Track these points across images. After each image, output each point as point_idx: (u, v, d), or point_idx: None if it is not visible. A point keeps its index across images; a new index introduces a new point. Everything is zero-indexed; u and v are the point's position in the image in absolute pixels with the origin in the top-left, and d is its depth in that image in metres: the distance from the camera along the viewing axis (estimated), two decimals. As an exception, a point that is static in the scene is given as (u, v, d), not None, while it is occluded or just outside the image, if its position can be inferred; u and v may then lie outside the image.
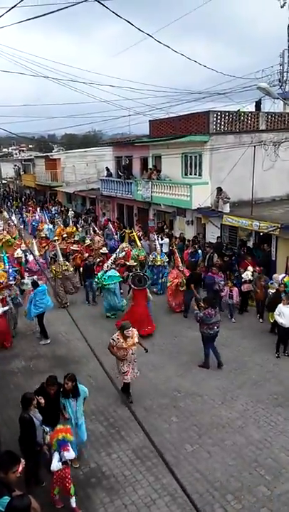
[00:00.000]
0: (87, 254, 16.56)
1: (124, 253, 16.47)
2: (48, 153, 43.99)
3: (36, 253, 16.17)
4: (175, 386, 9.42)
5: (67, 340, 12.02)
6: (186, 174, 20.47)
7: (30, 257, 15.78)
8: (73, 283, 14.97)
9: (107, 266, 13.82)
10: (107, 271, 13.59)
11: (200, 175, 19.40)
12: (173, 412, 8.46)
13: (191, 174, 20.13)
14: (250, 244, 16.32)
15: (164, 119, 21.97)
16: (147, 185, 21.80)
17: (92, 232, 21.59)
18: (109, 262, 14.11)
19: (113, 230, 21.74)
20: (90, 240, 19.43)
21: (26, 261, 16.33)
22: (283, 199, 19.00)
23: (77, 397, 6.98)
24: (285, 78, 12.03)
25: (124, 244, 17.23)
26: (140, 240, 18.84)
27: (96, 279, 13.79)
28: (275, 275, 13.02)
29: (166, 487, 6.49)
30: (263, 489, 6.47)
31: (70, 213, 30.66)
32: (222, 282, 13.28)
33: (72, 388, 6.92)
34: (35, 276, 13.79)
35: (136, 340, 8.48)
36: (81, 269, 16.11)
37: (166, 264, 15.95)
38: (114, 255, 15.05)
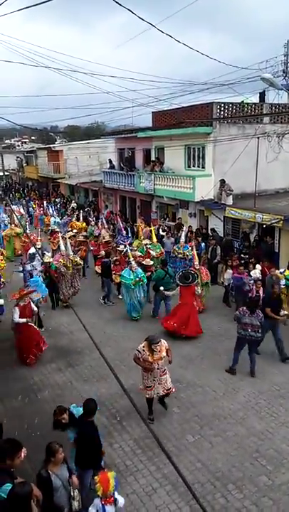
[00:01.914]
0: (103, 252, 15.50)
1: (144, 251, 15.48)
2: (51, 145, 43.84)
3: (63, 247, 15.08)
4: (177, 377, 9.40)
5: (70, 332, 12.04)
6: (189, 166, 20.39)
7: (46, 256, 14.98)
8: (77, 281, 14.26)
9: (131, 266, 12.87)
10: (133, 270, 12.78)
11: (203, 167, 19.33)
12: (174, 403, 8.47)
13: (194, 166, 20.05)
14: (252, 236, 16.28)
15: (167, 111, 21.85)
16: (150, 177, 21.73)
17: (100, 226, 20.41)
18: (133, 262, 13.03)
19: (122, 225, 21.09)
20: (96, 235, 18.71)
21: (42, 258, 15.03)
22: (287, 191, 18.93)
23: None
24: (289, 69, 11.95)
25: (146, 241, 16.12)
26: (162, 237, 18.26)
27: (125, 281, 12.68)
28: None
29: (167, 476, 6.52)
30: (264, 479, 6.49)
31: (73, 205, 30.60)
32: (251, 282, 12.24)
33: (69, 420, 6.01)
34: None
35: (164, 354, 7.72)
36: (97, 268, 15.55)
37: (190, 257, 14.88)
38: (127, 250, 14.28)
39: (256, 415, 8.06)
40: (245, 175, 16.91)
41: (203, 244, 16.58)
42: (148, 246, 15.73)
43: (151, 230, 17.35)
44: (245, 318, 9.28)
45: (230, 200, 17.39)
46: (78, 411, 6.18)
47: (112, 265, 14.60)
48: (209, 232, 18.16)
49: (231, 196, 17.43)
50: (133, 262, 12.85)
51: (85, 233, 19.45)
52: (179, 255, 15.01)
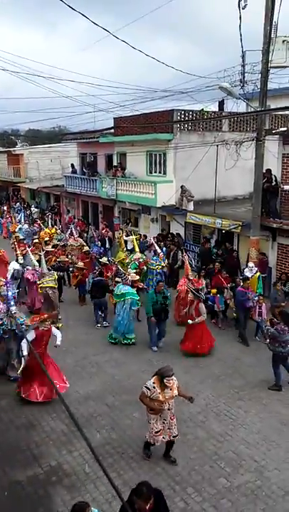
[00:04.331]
0: (81, 263, 14.39)
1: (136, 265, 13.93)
2: (11, 149, 43.07)
3: (35, 262, 13.60)
4: (138, 382, 9.37)
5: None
6: (150, 172, 20.57)
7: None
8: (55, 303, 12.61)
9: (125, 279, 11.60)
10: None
11: (164, 173, 19.55)
12: (135, 408, 8.43)
13: (155, 172, 20.25)
14: (212, 241, 16.57)
15: (128, 117, 21.96)
16: (112, 182, 21.74)
17: (68, 236, 18.84)
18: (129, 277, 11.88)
19: (95, 234, 19.23)
20: (64, 245, 17.11)
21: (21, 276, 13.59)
22: (245, 198, 19.42)
23: None
24: (246, 79, 12.31)
25: (138, 255, 14.46)
26: (126, 242, 16.93)
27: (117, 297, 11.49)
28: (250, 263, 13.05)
29: (127, 482, 6.48)
30: (223, 481, 6.58)
31: (33, 210, 30.07)
32: (256, 298, 11.55)
33: None
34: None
35: (175, 392, 6.59)
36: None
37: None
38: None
39: (216, 418, 8.18)
40: (206, 181, 17.23)
41: (164, 249, 16.66)
42: (140, 261, 14.24)
43: (132, 239, 15.98)
44: (286, 336, 8.86)
45: (191, 206, 17.66)
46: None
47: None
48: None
49: (192, 202, 17.72)
50: (129, 277, 11.79)
51: (55, 242, 17.93)
52: (157, 268, 14.13)
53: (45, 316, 9.08)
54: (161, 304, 10.90)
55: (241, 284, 11.65)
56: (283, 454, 7.16)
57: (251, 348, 11.24)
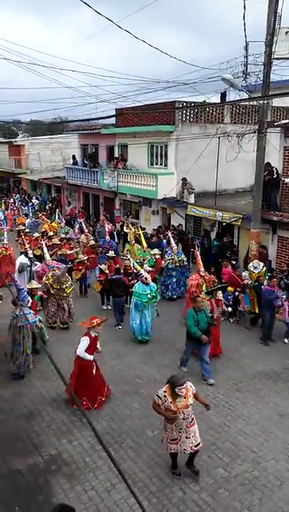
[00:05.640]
0: (82, 256, 14.00)
1: (153, 261, 13.51)
2: (12, 139, 42.94)
3: (47, 256, 13.09)
4: (138, 373, 9.52)
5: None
6: (152, 164, 20.54)
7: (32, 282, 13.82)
8: (69, 306, 11.91)
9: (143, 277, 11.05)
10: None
11: (166, 165, 19.53)
12: (135, 399, 8.54)
13: (157, 164, 20.23)
14: (213, 234, 16.59)
15: (130, 108, 21.88)
16: (113, 174, 21.72)
17: (77, 230, 18.75)
18: (144, 273, 11.20)
19: (107, 228, 17.89)
20: (69, 238, 16.95)
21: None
22: (246, 190, 19.40)
23: None
24: (249, 70, 12.21)
25: (155, 251, 14.21)
26: (126, 234, 16.67)
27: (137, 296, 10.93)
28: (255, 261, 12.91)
29: (126, 471, 6.57)
30: (221, 471, 6.66)
31: (34, 201, 30.06)
32: (284, 296, 10.98)
33: None
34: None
35: (190, 401, 6.18)
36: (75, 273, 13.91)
37: (185, 263, 14.16)
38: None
39: (214, 409, 8.21)
40: (207, 174, 17.22)
41: (164, 241, 16.66)
42: (157, 256, 13.91)
43: (139, 234, 15.51)
44: None
45: (191, 199, 17.67)
46: None
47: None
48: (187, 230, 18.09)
49: (193, 194, 17.73)
50: (144, 274, 11.12)
51: (62, 235, 17.68)
52: (176, 263, 13.76)
53: (98, 321, 8.24)
54: (209, 324, 9.24)
55: (266, 281, 11.20)
56: (280, 445, 7.24)
57: (251, 340, 11.30)
